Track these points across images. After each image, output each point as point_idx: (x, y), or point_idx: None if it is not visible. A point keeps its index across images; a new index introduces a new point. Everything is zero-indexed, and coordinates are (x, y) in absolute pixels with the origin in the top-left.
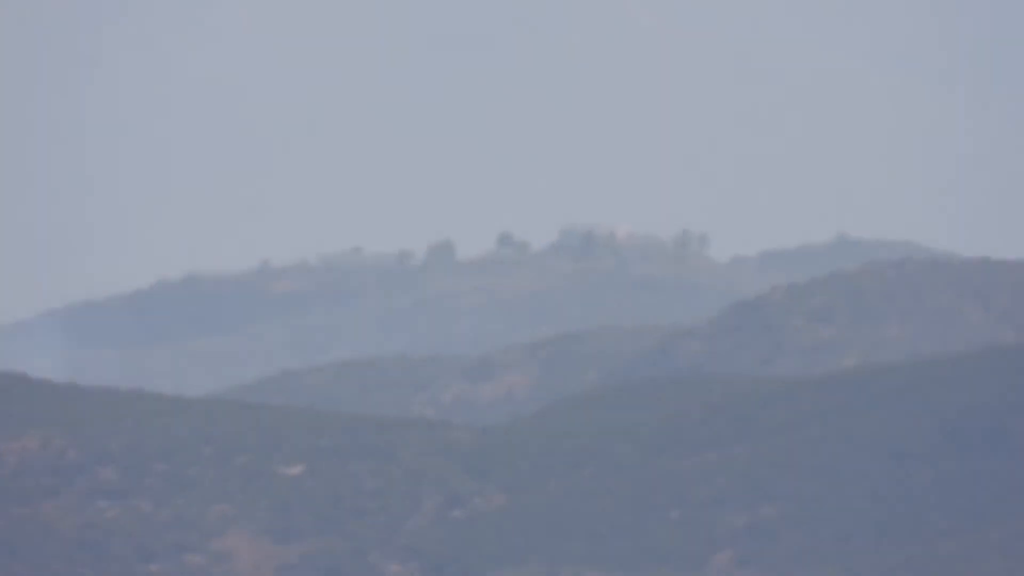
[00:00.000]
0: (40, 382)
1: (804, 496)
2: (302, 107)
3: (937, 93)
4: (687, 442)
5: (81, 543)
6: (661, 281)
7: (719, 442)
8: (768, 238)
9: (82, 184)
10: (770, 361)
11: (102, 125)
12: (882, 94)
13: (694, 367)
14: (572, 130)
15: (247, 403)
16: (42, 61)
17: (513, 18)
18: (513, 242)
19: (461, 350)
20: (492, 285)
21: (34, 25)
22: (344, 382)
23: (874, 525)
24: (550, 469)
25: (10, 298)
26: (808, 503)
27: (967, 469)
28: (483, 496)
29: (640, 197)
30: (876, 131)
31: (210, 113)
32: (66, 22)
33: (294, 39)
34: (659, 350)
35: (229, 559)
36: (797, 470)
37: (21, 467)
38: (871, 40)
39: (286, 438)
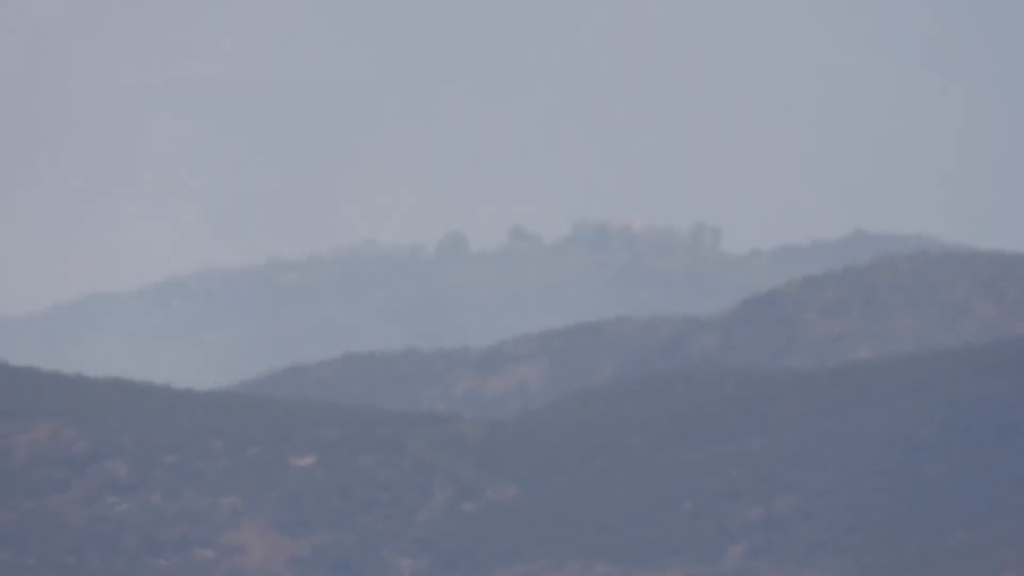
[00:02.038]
0: (50, 374)
1: (818, 488)
2: (313, 100)
3: (951, 88)
4: (700, 435)
5: (90, 536)
6: (675, 274)
7: (733, 435)
8: (782, 232)
9: (94, 180)
10: (784, 354)
11: (113, 122)
12: (896, 89)
13: (708, 360)
14: (586, 123)
15: (257, 396)
16: (53, 58)
17: (526, 12)
18: (526, 235)
19: (473, 343)
20: (504, 278)
21: (46, 21)
22: (354, 375)
23: (888, 517)
24: (562, 462)
25: (21, 292)
26: (822, 495)
27: (980, 461)
28: (494, 489)
29: (654, 190)
30: (890, 126)
31: (220, 108)
32: (79, 19)
33: (304, 34)
34: (673, 343)
35: (239, 552)
36: (811, 462)
37: (30, 460)
38: (885, 35)
39: (296, 431)
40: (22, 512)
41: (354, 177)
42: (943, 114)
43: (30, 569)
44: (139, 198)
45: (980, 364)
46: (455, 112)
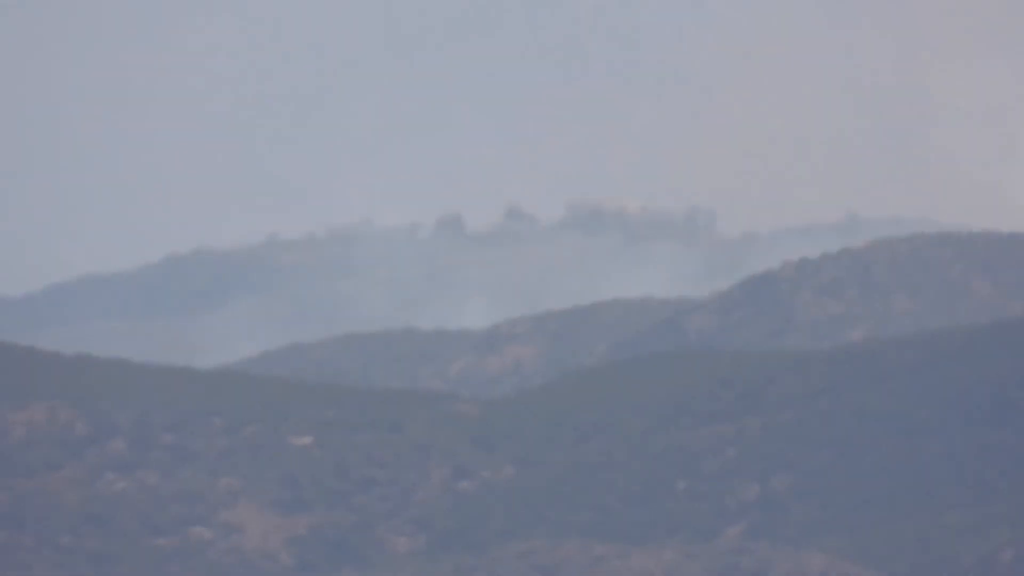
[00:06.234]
0: (48, 354)
1: (815, 468)
2: (312, 80)
3: (946, 69)
4: (697, 415)
5: (88, 516)
6: (670, 256)
7: (729, 415)
8: (778, 214)
9: (93, 159)
10: (780, 335)
11: (113, 101)
12: (891, 70)
13: (704, 341)
14: (582, 104)
15: (255, 375)
16: (52, 42)
17: None
18: (522, 216)
19: (469, 323)
20: (500, 259)
21: (45, 6)
22: (352, 354)
23: (883, 496)
24: (558, 442)
25: (21, 271)
26: (818, 475)
27: (975, 441)
28: (491, 468)
29: (650, 172)
30: (885, 107)
31: (219, 87)
32: (79, 4)
33: (304, 15)
34: (668, 324)
35: (237, 531)
36: (807, 443)
37: (28, 439)
38: (880, 17)
39: (294, 410)
40: (19, 492)
41: (352, 157)
42: (938, 95)
43: (27, 548)
44: (137, 178)
45: (977, 345)
46: (452, 94)
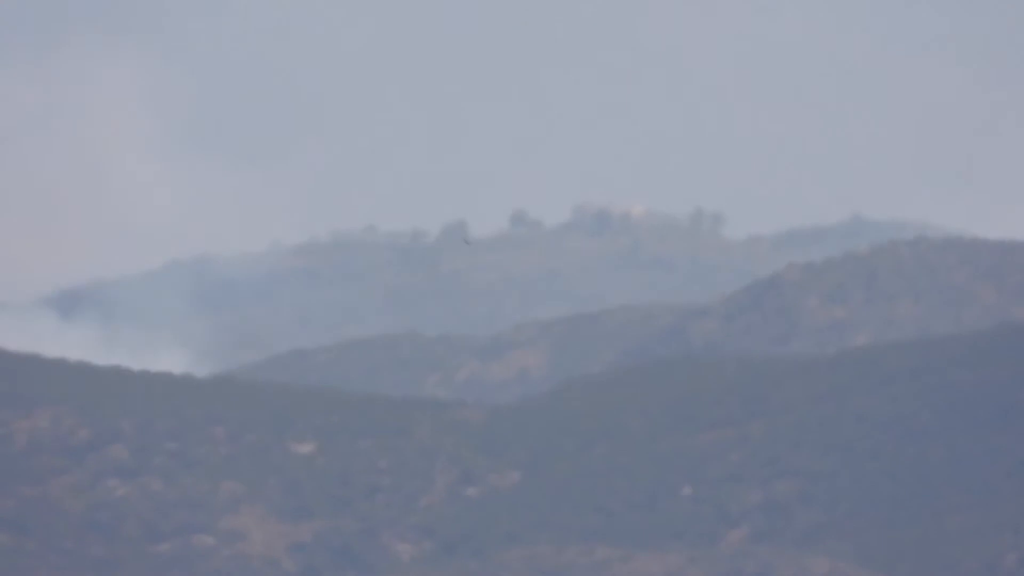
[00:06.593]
0: (51, 360)
1: (818, 472)
2: (315, 84)
3: (952, 73)
4: (702, 420)
5: (91, 522)
6: (676, 260)
7: (734, 420)
8: (783, 218)
9: (93, 163)
10: (785, 340)
11: (112, 103)
12: (897, 74)
13: (709, 346)
14: (586, 108)
15: (257, 382)
16: (55, 40)
17: None
18: (527, 221)
19: (474, 330)
20: (505, 264)
21: (42, 7)
22: (356, 361)
23: (887, 501)
24: (563, 447)
25: (20, 278)
26: (822, 479)
27: (979, 446)
28: (496, 474)
29: (655, 175)
30: (891, 111)
31: (220, 90)
32: (77, 4)
33: (306, 18)
34: (674, 329)
35: (240, 538)
36: (811, 447)
37: (31, 445)
38: (886, 19)
39: (297, 416)
40: (23, 498)
41: (355, 163)
42: (944, 99)
43: (31, 554)
44: (139, 182)
45: (980, 350)
46: (456, 97)
